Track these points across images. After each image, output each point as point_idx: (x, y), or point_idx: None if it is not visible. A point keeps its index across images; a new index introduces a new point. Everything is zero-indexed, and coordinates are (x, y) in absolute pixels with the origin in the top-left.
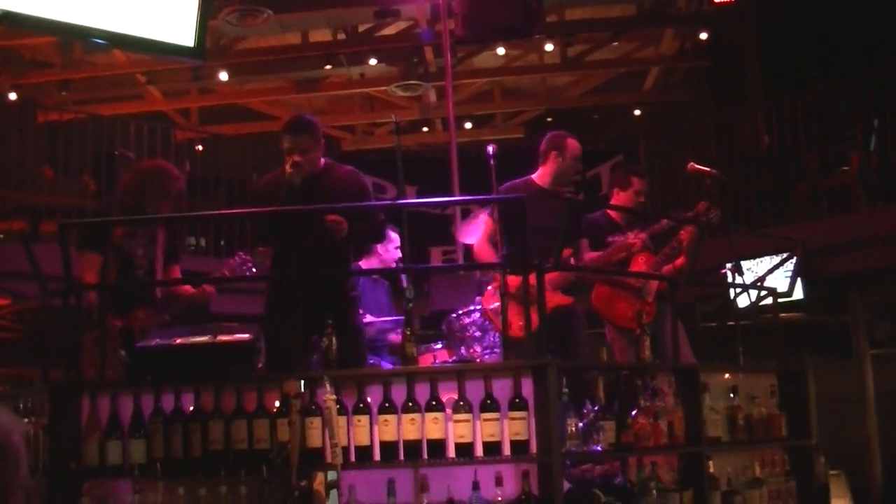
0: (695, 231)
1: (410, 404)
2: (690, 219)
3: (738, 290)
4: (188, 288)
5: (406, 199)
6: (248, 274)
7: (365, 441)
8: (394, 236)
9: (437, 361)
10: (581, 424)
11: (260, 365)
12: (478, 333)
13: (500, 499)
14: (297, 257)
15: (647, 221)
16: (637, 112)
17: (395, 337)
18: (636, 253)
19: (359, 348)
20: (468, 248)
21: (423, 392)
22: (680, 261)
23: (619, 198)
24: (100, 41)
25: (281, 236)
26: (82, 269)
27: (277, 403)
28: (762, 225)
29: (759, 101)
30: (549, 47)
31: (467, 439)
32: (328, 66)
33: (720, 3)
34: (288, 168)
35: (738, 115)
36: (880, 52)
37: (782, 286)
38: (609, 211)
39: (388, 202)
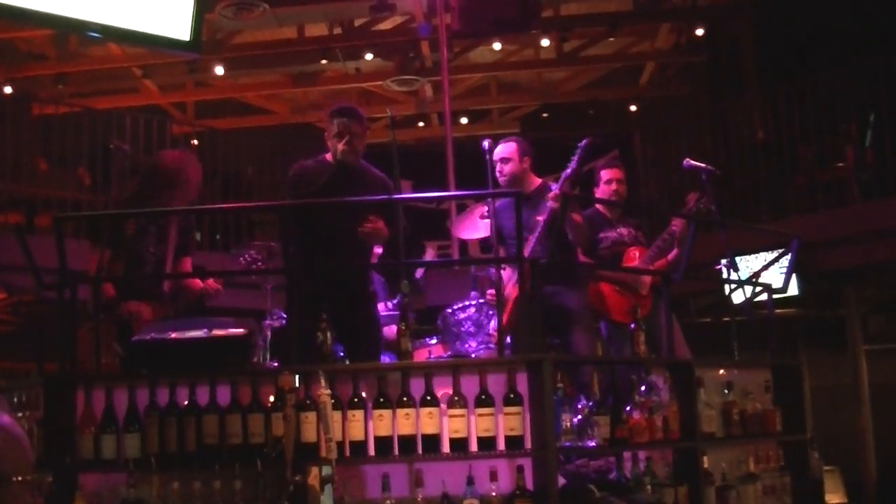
0: (686, 223)
1: (405, 399)
2: (681, 211)
3: (734, 286)
4: (197, 282)
5: (401, 193)
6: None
7: (359, 436)
8: None
9: (431, 356)
10: (576, 419)
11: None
12: (472, 329)
13: (494, 493)
14: (327, 247)
15: (634, 213)
16: (633, 107)
17: (389, 331)
18: (629, 244)
19: (377, 341)
20: (463, 244)
21: (417, 387)
22: (673, 253)
23: (595, 194)
24: (95, 34)
25: (317, 223)
26: (90, 263)
27: (272, 398)
28: (758, 219)
29: (754, 95)
30: (545, 42)
31: (462, 434)
32: (324, 61)
33: None
34: (342, 146)
35: (734, 109)
36: (876, 46)
37: (777, 282)
38: (598, 206)
39: (384, 197)
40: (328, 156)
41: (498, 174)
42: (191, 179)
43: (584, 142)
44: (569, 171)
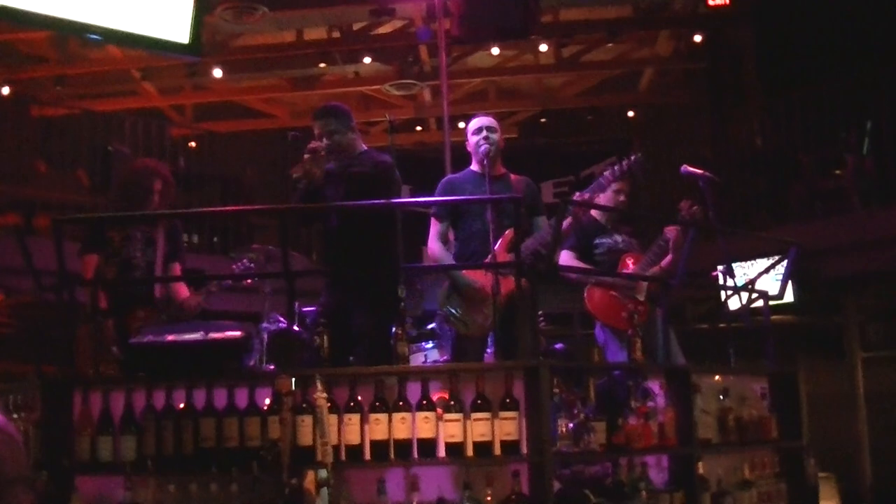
0: (680, 230)
1: (402, 403)
2: (674, 218)
3: (730, 292)
4: (184, 291)
5: (400, 196)
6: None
7: (356, 440)
8: None
9: (428, 361)
10: (572, 425)
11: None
12: None
13: (490, 499)
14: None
15: (630, 221)
16: (631, 113)
17: None
18: (624, 251)
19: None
20: None
21: (414, 391)
22: (667, 260)
23: (600, 200)
24: (96, 37)
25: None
26: (83, 271)
27: (269, 401)
28: (757, 226)
29: (754, 103)
30: (544, 47)
31: (458, 439)
32: (323, 65)
33: (715, 5)
34: (305, 157)
35: (733, 116)
36: (876, 55)
37: (774, 289)
38: (593, 212)
39: (382, 201)
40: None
41: (480, 141)
42: (161, 188)
43: (634, 158)
44: (603, 182)
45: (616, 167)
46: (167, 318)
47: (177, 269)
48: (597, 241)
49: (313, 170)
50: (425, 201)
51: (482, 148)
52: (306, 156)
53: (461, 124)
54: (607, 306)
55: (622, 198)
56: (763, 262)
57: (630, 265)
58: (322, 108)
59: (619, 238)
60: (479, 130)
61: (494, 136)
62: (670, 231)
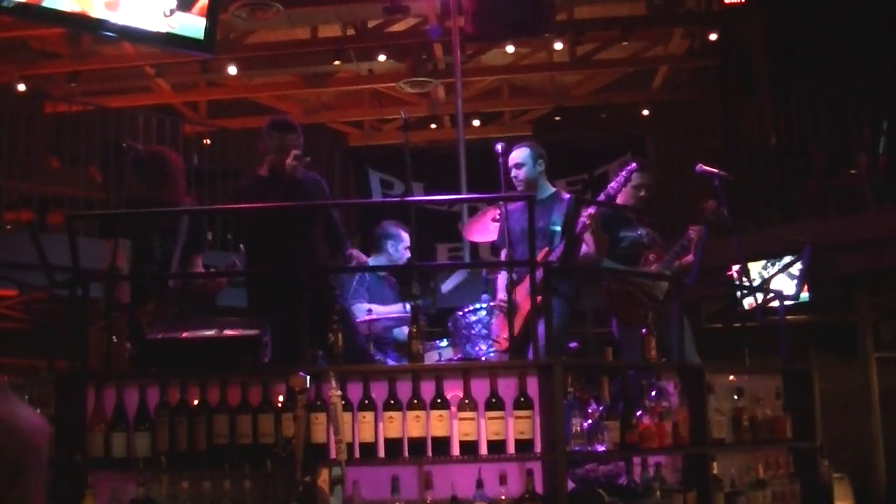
0: (703, 229)
1: (416, 401)
2: (699, 218)
3: (745, 292)
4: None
5: (413, 195)
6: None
7: (369, 437)
8: (405, 236)
9: (442, 359)
10: (586, 424)
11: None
12: (484, 331)
13: (503, 497)
14: (274, 255)
15: (651, 216)
16: (645, 111)
17: (401, 333)
18: (647, 245)
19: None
20: (474, 247)
21: (428, 389)
22: (688, 258)
23: (619, 198)
24: (109, 33)
25: (264, 235)
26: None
27: (282, 398)
28: (769, 223)
29: (766, 100)
30: (558, 45)
31: (472, 437)
32: (337, 62)
33: (730, 2)
34: (290, 161)
35: (746, 113)
36: (888, 50)
37: (788, 288)
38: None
39: (396, 199)
40: (262, 170)
41: (513, 179)
42: (179, 171)
43: (632, 165)
44: (611, 191)
45: (620, 177)
46: (179, 312)
47: (197, 260)
48: (621, 234)
49: (297, 168)
50: (435, 199)
51: (516, 185)
52: (292, 160)
53: (475, 122)
54: (627, 304)
55: (643, 193)
56: (776, 260)
57: (651, 262)
58: (288, 123)
59: (642, 232)
60: (510, 168)
61: (522, 173)
62: (693, 231)
